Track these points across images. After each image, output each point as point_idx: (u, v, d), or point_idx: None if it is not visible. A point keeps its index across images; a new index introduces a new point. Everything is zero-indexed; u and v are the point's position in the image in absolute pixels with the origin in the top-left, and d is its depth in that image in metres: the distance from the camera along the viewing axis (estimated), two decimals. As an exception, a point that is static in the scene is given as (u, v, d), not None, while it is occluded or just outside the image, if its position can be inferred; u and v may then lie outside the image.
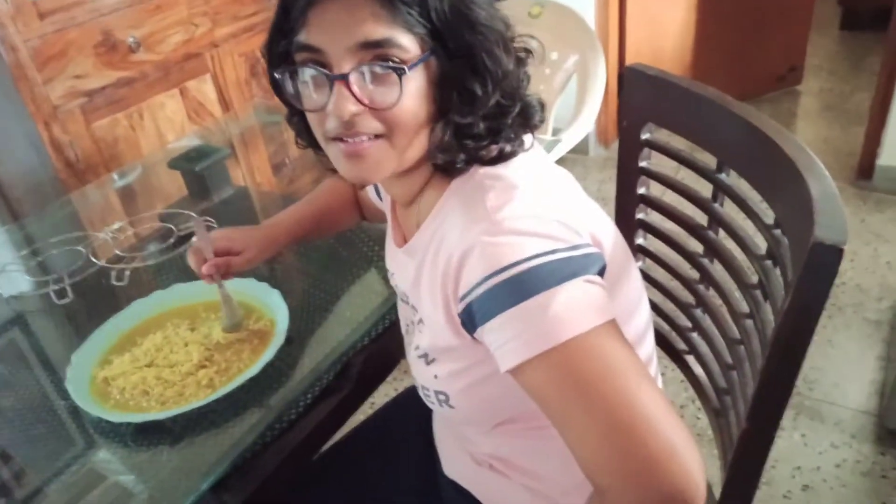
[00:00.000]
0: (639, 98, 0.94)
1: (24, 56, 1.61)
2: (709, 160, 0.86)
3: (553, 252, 0.57)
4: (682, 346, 0.99)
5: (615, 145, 2.94)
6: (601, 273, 0.60)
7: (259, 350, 0.87)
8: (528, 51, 0.66)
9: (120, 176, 1.63)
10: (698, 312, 0.94)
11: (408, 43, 0.59)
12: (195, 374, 0.84)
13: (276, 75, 0.64)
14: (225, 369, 0.85)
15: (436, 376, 0.69)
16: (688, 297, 0.96)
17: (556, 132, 1.80)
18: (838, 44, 3.55)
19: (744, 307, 0.81)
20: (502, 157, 0.65)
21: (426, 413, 0.89)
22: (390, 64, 0.58)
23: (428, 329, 0.68)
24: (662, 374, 0.87)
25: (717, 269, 0.90)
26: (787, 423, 1.60)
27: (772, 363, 0.65)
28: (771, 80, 3.03)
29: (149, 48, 1.87)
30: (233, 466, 0.76)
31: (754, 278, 0.79)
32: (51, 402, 0.89)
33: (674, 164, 0.91)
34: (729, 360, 0.86)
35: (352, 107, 0.59)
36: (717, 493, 0.78)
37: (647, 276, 1.01)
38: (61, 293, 1.08)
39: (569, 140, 1.71)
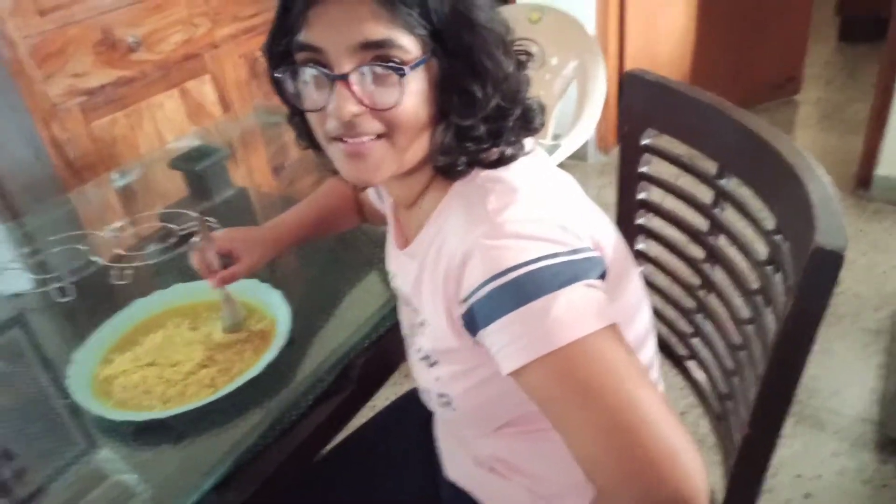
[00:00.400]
0: (639, 103, 0.95)
1: (23, 53, 1.61)
2: (709, 166, 0.87)
3: (554, 256, 0.57)
4: (683, 351, 1.00)
5: (614, 151, 2.95)
6: (602, 277, 0.60)
7: (261, 350, 0.87)
8: (528, 54, 0.66)
9: (119, 175, 1.63)
10: (699, 318, 0.95)
11: (408, 44, 0.59)
12: (197, 374, 0.84)
13: (277, 75, 0.64)
14: (227, 369, 0.85)
15: (437, 378, 0.69)
16: (689, 303, 0.96)
17: (555, 137, 1.81)
18: (836, 54, 3.57)
19: (745, 313, 0.82)
20: (503, 161, 0.65)
21: (427, 415, 0.89)
22: (391, 64, 0.59)
23: (430, 331, 0.68)
24: (664, 380, 0.87)
25: (717, 275, 0.90)
26: (787, 431, 1.60)
27: (773, 368, 0.65)
28: (769, 89, 3.04)
29: (149, 47, 1.87)
30: (234, 466, 0.75)
31: (755, 284, 0.79)
32: (52, 400, 0.88)
33: (674, 169, 0.92)
34: (730, 365, 0.86)
35: (352, 107, 0.59)
36: (720, 499, 0.78)
37: (647, 282, 1.01)
38: (62, 292, 1.08)
39: (568, 145, 1.71)
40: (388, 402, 1.05)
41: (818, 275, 0.59)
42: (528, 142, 0.67)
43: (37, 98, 1.65)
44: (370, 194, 0.95)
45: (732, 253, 0.85)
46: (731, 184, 0.84)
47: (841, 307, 1.94)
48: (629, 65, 2.72)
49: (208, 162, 1.35)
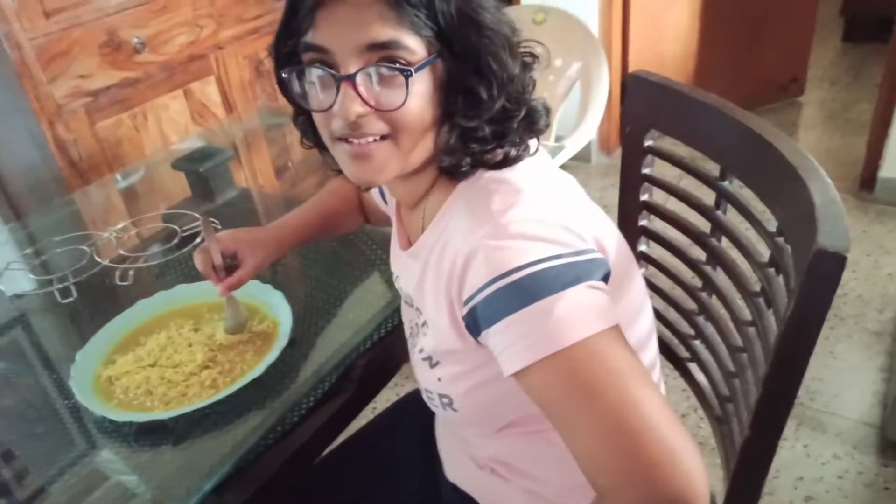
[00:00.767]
0: (642, 105, 0.95)
1: (28, 54, 1.61)
2: (711, 167, 0.87)
3: (558, 257, 0.57)
4: (684, 353, 0.99)
5: (617, 153, 2.95)
6: (605, 279, 0.60)
7: (262, 351, 0.87)
8: (533, 55, 0.66)
9: (123, 176, 1.63)
10: (701, 320, 0.94)
11: (414, 45, 0.59)
12: (199, 375, 0.85)
13: (283, 75, 0.64)
14: (228, 370, 0.85)
15: (439, 379, 0.69)
16: (690, 305, 0.96)
17: (558, 139, 1.81)
18: (840, 55, 3.56)
19: (746, 315, 0.81)
20: (508, 162, 0.65)
21: (428, 417, 0.89)
22: (397, 65, 0.59)
23: (432, 332, 0.68)
24: (665, 382, 0.87)
25: (719, 277, 0.90)
26: (789, 434, 1.59)
27: (775, 370, 0.65)
28: (773, 90, 3.04)
29: (153, 49, 1.87)
30: (235, 468, 0.76)
31: (757, 286, 0.79)
32: (54, 401, 0.89)
33: (676, 171, 0.91)
34: (731, 367, 0.86)
35: (358, 108, 0.59)
36: (720, 502, 0.78)
37: (649, 284, 1.01)
38: (65, 292, 1.08)
39: (571, 147, 1.71)
40: (388, 404, 1.06)
41: (820, 277, 0.59)
42: (533, 143, 0.67)
43: (42, 99, 1.66)
44: (374, 195, 0.95)
45: (734, 255, 0.85)
46: (734, 185, 0.84)
47: (843, 309, 1.94)
48: (632, 66, 2.72)
49: (212, 163, 1.35)
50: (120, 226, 1.26)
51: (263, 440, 0.78)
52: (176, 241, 1.18)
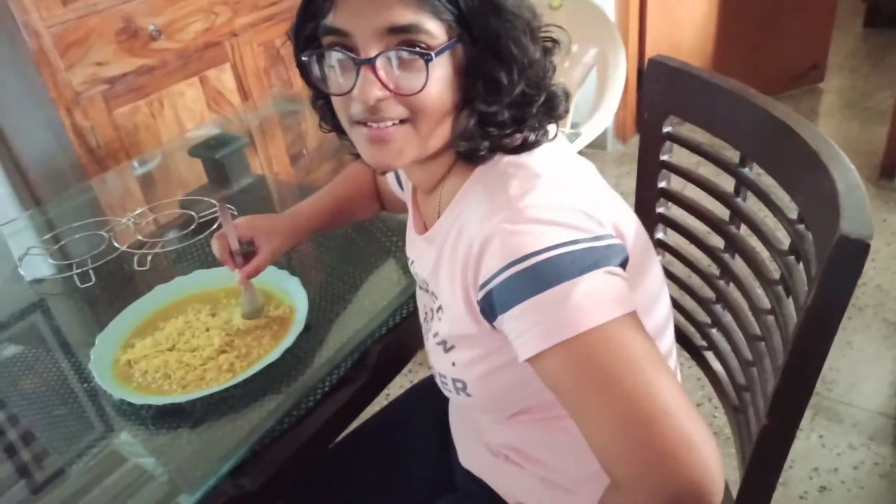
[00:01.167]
0: (660, 90, 0.94)
1: (46, 42, 1.62)
2: (731, 154, 0.86)
3: (575, 242, 0.57)
4: (700, 342, 0.99)
5: (633, 140, 2.93)
6: (623, 265, 0.60)
7: (279, 336, 0.88)
8: (554, 41, 0.65)
9: (140, 163, 1.64)
10: (718, 308, 0.94)
11: (435, 29, 0.58)
12: (216, 359, 0.85)
13: (303, 58, 0.64)
14: (245, 354, 0.86)
15: (454, 364, 0.69)
16: (708, 293, 0.95)
17: (574, 126, 1.80)
18: (861, 41, 3.50)
19: (765, 303, 0.81)
20: (526, 146, 0.64)
21: (442, 403, 0.89)
22: (417, 49, 0.58)
23: (447, 316, 0.68)
24: (680, 371, 0.86)
25: (738, 265, 0.89)
26: (804, 424, 1.58)
27: (794, 358, 0.64)
28: (792, 77, 3.00)
29: (169, 36, 1.88)
30: (251, 451, 0.76)
31: (776, 274, 0.78)
32: (73, 384, 0.90)
33: (695, 158, 0.90)
34: (749, 356, 0.85)
35: (377, 91, 0.59)
36: (735, 491, 0.78)
37: (666, 272, 1.00)
38: (84, 277, 1.09)
39: (588, 133, 1.70)
40: (402, 390, 1.06)
41: (843, 264, 0.58)
42: (552, 128, 0.67)
43: (60, 87, 1.66)
44: (390, 181, 0.95)
45: (753, 242, 0.84)
46: (754, 172, 0.83)
47: (862, 299, 1.91)
48: (649, 53, 2.69)
49: (228, 150, 1.35)
50: (137, 212, 1.27)
51: (279, 424, 0.79)
52: (193, 227, 1.19)
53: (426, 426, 0.95)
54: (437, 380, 0.74)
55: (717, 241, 0.91)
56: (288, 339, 0.85)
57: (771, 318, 0.79)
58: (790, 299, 0.74)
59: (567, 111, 0.68)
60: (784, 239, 0.77)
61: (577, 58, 1.85)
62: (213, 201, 1.24)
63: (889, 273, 2.00)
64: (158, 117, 1.90)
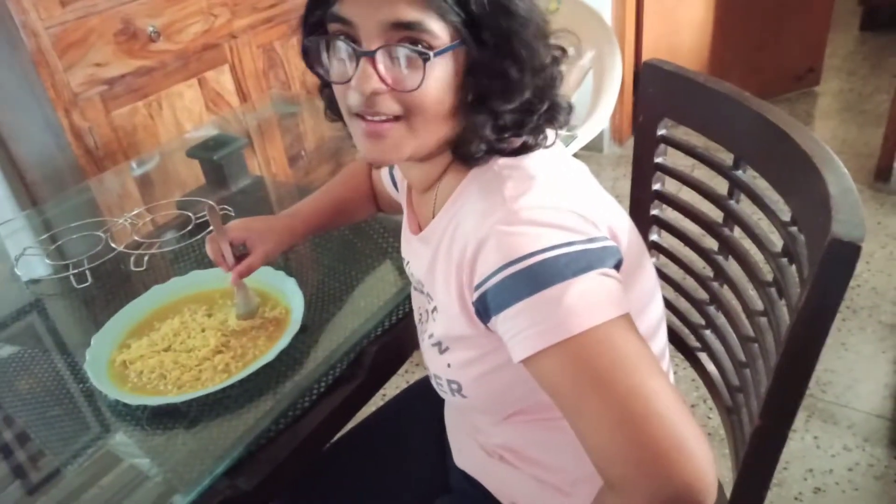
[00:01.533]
0: (655, 93, 0.94)
1: (45, 43, 1.62)
2: (725, 156, 0.86)
3: (570, 244, 0.57)
4: (694, 343, 0.99)
5: (629, 142, 2.93)
6: (618, 266, 0.60)
7: (274, 337, 0.88)
8: (562, 49, 0.66)
9: (138, 164, 1.65)
10: (712, 310, 0.94)
11: (438, 29, 0.59)
12: (211, 360, 0.85)
13: (307, 43, 0.64)
14: (241, 355, 0.86)
15: (449, 365, 0.69)
16: (701, 295, 0.96)
17: (570, 128, 1.80)
18: (858, 44, 3.51)
19: (758, 305, 0.81)
20: (523, 150, 0.65)
21: (438, 403, 0.90)
22: (417, 48, 0.59)
23: (442, 317, 0.68)
24: (674, 372, 0.87)
25: (731, 266, 0.89)
26: (799, 425, 1.59)
27: (787, 360, 0.65)
28: (788, 80, 3.01)
29: (168, 37, 1.88)
30: (246, 452, 0.76)
31: (769, 276, 0.79)
32: (69, 384, 0.90)
33: (690, 160, 0.91)
34: (742, 357, 0.86)
35: (374, 84, 0.60)
36: (729, 492, 0.78)
37: (660, 273, 1.01)
38: (81, 277, 1.09)
39: (584, 136, 1.70)
40: (398, 391, 1.06)
41: (834, 266, 0.58)
42: (550, 133, 0.67)
43: (58, 87, 1.67)
44: (386, 182, 0.95)
45: (747, 245, 0.85)
46: (747, 175, 0.84)
47: (857, 301, 1.92)
48: (646, 56, 2.70)
49: (226, 151, 1.35)
50: (134, 212, 1.27)
51: (274, 425, 0.79)
52: (190, 227, 1.19)
53: (422, 426, 0.95)
54: (433, 381, 0.74)
55: (711, 243, 0.92)
56: (283, 340, 0.85)
57: (764, 319, 0.80)
58: (783, 301, 0.75)
59: (567, 122, 0.68)
60: (777, 241, 0.77)
61: (574, 60, 1.86)
62: (209, 202, 1.24)
63: (884, 275, 2.01)
64: (157, 118, 1.91)
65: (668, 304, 0.99)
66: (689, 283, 0.98)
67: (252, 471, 0.76)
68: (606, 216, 0.64)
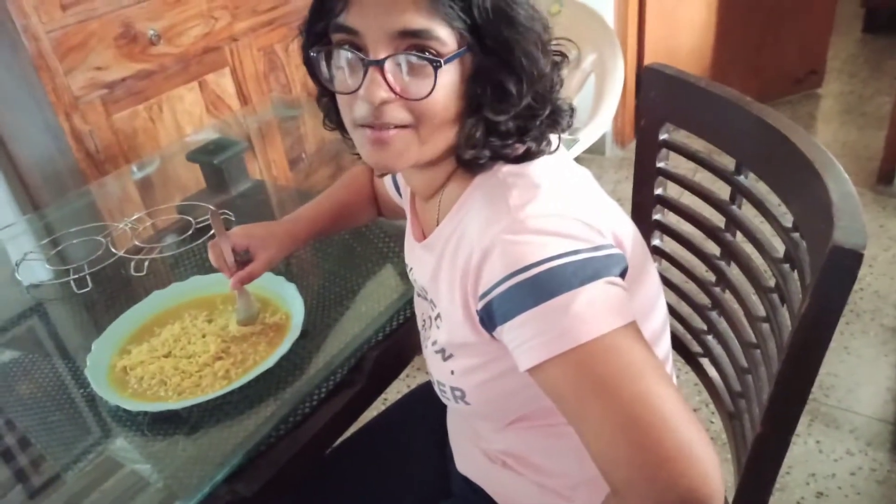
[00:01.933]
0: (657, 98, 0.94)
1: (45, 46, 1.62)
2: (727, 161, 0.86)
3: (576, 252, 0.57)
4: (696, 348, 0.99)
5: (632, 145, 2.93)
6: (623, 274, 0.60)
7: (275, 343, 0.88)
8: (563, 55, 0.66)
9: (139, 168, 1.65)
10: (714, 315, 0.94)
11: (445, 36, 0.59)
12: (212, 366, 0.85)
13: (312, 54, 0.64)
14: (241, 361, 0.86)
15: (452, 372, 0.69)
16: (703, 300, 0.95)
17: (573, 131, 1.80)
18: (860, 46, 3.51)
19: (760, 310, 0.81)
20: (527, 156, 0.65)
21: (440, 408, 0.89)
22: (427, 55, 0.59)
23: (445, 324, 0.68)
24: (676, 377, 0.86)
25: (733, 272, 0.89)
26: (801, 430, 1.58)
27: (788, 366, 0.64)
28: (790, 82, 3.00)
29: (169, 41, 1.88)
30: (247, 458, 0.76)
31: (771, 281, 0.78)
32: (70, 389, 0.90)
33: (691, 165, 0.91)
34: (744, 363, 0.86)
35: (383, 93, 0.59)
36: (731, 497, 0.78)
37: (662, 278, 1.00)
38: (81, 283, 1.09)
39: (586, 139, 1.70)
40: (399, 396, 1.06)
41: (836, 274, 0.58)
42: (554, 139, 0.67)
43: (59, 91, 1.67)
44: (389, 188, 0.95)
45: (749, 250, 0.85)
46: (749, 180, 0.84)
47: (860, 304, 1.92)
48: (648, 58, 2.70)
49: (226, 155, 1.35)
50: (135, 217, 1.27)
51: (275, 431, 0.79)
52: (190, 232, 1.19)
53: (424, 431, 0.95)
54: (436, 388, 0.74)
55: (713, 248, 0.92)
56: (283, 346, 0.85)
57: (766, 325, 0.79)
58: (785, 307, 0.75)
59: (570, 125, 0.68)
60: (779, 247, 0.77)
61: (575, 63, 1.85)
62: (211, 206, 1.25)
63: (887, 279, 2.00)
64: (157, 122, 1.91)
65: (671, 309, 0.99)
66: (691, 287, 0.98)
67: (252, 476, 0.76)
68: (611, 223, 0.64)
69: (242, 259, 0.90)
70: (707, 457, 0.53)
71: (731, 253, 0.88)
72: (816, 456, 1.52)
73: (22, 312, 1.09)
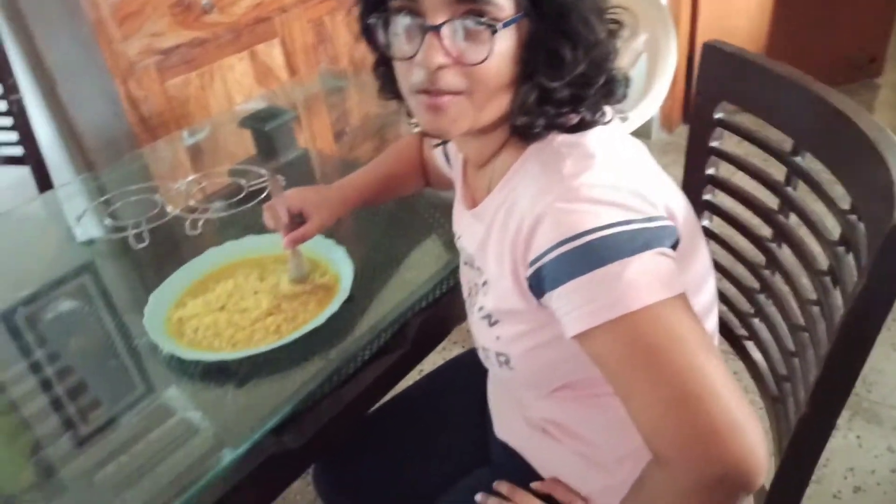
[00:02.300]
0: (714, 76, 0.93)
1: (105, 13, 1.66)
2: (782, 141, 0.84)
3: (628, 223, 0.57)
4: (741, 331, 0.98)
5: (679, 130, 2.87)
6: (674, 247, 0.60)
7: (324, 302, 0.90)
8: (619, 23, 0.65)
9: (189, 134, 1.68)
10: (762, 298, 0.93)
11: (503, 1, 0.59)
12: (263, 321, 0.88)
13: (370, 21, 0.65)
14: (292, 318, 0.88)
15: (498, 338, 0.70)
16: (751, 282, 0.94)
17: (621, 112, 1.78)
18: (924, 36, 3.37)
19: (811, 293, 0.80)
20: (581, 126, 0.65)
21: (480, 377, 0.91)
22: (484, 20, 0.59)
23: (493, 291, 0.69)
24: (720, 358, 0.86)
25: (785, 254, 0.88)
26: (842, 423, 1.56)
27: (839, 348, 0.64)
28: (848, 70, 2.91)
29: (222, 10, 1.90)
30: (293, 412, 0.78)
31: (824, 264, 0.77)
32: (125, 339, 0.93)
33: (743, 147, 0.89)
34: (791, 346, 0.85)
35: (440, 58, 0.60)
36: (768, 483, 0.77)
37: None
38: (139, 238, 1.13)
39: (635, 120, 1.68)
40: (434, 367, 1.08)
41: (894, 253, 0.57)
42: (608, 110, 0.67)
43: (116, 56, 1.71)
44: (438, 158, 0.96)
45: (802, 232, 0.83)
46: (806, 161, 0.82)
47: (910, 301, 1.87)
48: (701, 39, 2.64)
49: (277, 122, 1.38)
50: (190, 178, 1.30)
51: (320, 388, 0.81)
52: (242, 195, 1.22)
53: (464, 399, 0.96)
54: (480, 353, 0.75)
55: (765, 230, 0.90)
56: (333, 306, 0.87)
57: (816, 308, 0.78)
58: (838, 290, 0.74)
59: (625, 96, 0.68)
60: (834, 229, 0.76)
61: (627, 43, 1.83)
62: (263, 171, 1.27)
63: (939, 276, 1.94)
64: (208, 89, 1.94)
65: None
66: (739, 269, 0.97)
67: (297, 431, 0.79)
68: (664, 196, 0.64)
69: (295, 222, 0.92)
70: (753, 432, 0.53)
71: (783, 235, 0.87)
72: (856, 451, 1.50)
73: (80, 266, 1.13)
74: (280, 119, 1.39)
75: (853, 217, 0.72)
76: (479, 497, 0.80)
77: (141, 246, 1.12)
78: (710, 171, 0.97)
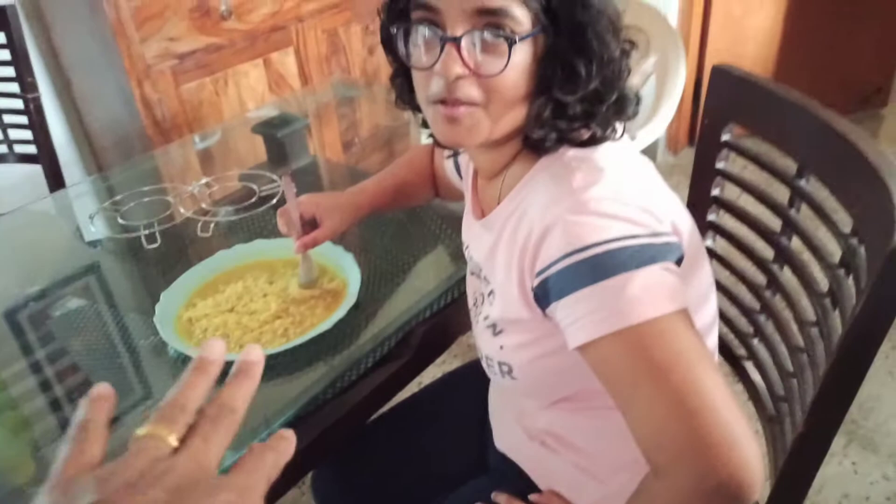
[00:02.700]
0: (723, 98, 0.95)
1: (125, 14, 1.69)
2: (788, 164, 0.86)
3: (635, 237, 0.58)
4: (741, 351, 0.99)
5: (684, 152, 2.89)
6: (679, 262, 0.62)
7: (332, 308, 0.91)
8: (632, 43, 0.67)
9: (201, 138, 1.70)
10: (762, 318, 0.94)
11: (521, 15, 0.61)
12: (272, 323, 0.89)
13: (392, 31, 0.67)
14: (299, 322, 0.90)
15: (501, 347, 0.71)
16: (752, 303, 0.96)
17: (629, 131, 1.80)
18: (930, 68, 3.39)
19: (810, 315, 0.81)
20: (592, 141, 0.66)
21: (481, 388, 0.92)
22: (502, 33, 0.61)
23: (499, 301, 0.70)
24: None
25: (786, 276, 0.89)
26: (837, 450, 1.56)
27: (837, 367, 0.65)
28: (854, 100, 2.93)
29: (239, 17, 1.93)
30: (296, 415, 0.79)
31: (825, 286, 0.79)
32: (134, 338, 0.95)
33: (749, 169, 0.91)
34: (790, 367, 0.86)
35: (458, 69, 0.62)
36: (763, 502, 0.78)
37: (712, 278, 1.01)
38: (150, 238, 1.15)
39: (642, 140, 1.70)
40: (433, 379, 1.08)
41: (893, 276, 0.59)
42: (619, 127, 0.69)
43: (134, 58, 1.74)
44: (448, 169, 0.97)
45: (803, 254, 0.85)
46: (810, 184, 0.84)
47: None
48: (709, 63, 2.67)
49: (289, 129, 1.40)
50: (203, 181, 1.32)
51: (323, 393, 0.82)
52: (253, 199, 1.24)
53: (464, 409, 0.97)
54: (483, 362, 0.76)
55: (766, 251, 0.92)
56: (341, 311, 0.88)
57: (815, 330, 0.80)
58: (837, 312, 0.75)
59: (636, 114, 0.70)
60: (835, 252, 0.77)
61: (637, 65, 1.85)
62: (275, 176, 1.29)
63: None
64: (222, 95, 1.97)
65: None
66: (740, 289, 0.98)
67: (299, 434, 0.79)
68: (670, 212, 0.65)
69: (308, 226, 0.93)
70: (750, 447, 0.54)
71: (785, 256, 0.88)
72: (851, 477, 1.50)
73: (90, 265, 1.15)
74: (292, 126, 1.41)
75: (854, 240, 0.73)
76: (477, 506, 0.81)
77: (152, 246, 1.13)
78: (715, 191, 0.98)
